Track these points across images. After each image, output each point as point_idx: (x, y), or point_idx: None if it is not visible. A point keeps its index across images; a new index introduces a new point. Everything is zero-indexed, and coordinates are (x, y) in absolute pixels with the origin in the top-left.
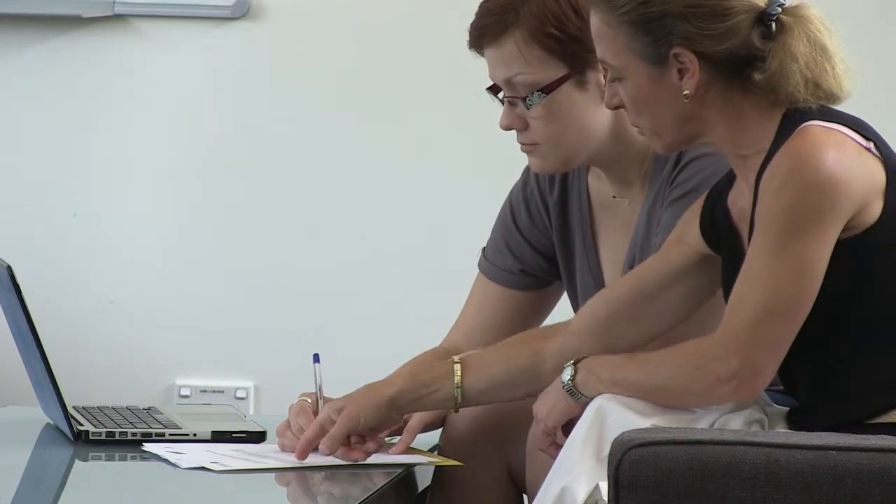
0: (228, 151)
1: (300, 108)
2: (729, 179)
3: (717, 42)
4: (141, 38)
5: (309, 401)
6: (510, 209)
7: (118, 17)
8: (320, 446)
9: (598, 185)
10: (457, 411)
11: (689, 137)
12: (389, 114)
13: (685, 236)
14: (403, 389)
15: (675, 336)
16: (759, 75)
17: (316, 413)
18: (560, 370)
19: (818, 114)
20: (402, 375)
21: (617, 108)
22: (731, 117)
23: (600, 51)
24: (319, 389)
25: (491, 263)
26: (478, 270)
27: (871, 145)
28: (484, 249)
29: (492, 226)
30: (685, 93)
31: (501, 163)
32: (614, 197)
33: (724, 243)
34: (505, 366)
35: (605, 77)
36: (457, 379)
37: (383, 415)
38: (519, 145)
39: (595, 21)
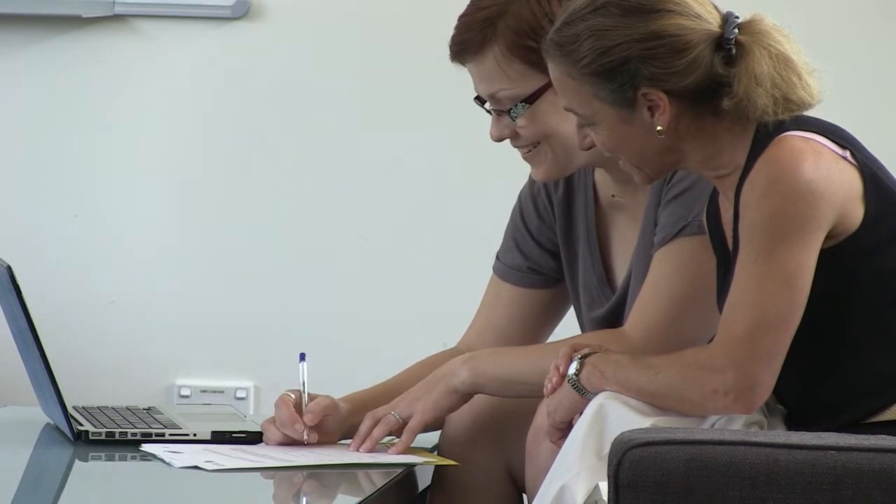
0: (228, 151)
1: (300, 108)
2: (716, 190)
3: (682, 77)
4: (141, 38)
5: (293, 396)
6: (519, 208)
7: (118, 17)
8: None
9: (605, 183)
10: None
11: (670, 166)
12: (389, 114)
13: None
14: None
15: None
16: (727, 101)
17: (298, 405)
18: None
19: (792, 124)
20: None
21: (590, 148)
22: (706, 142)
23: (566, 100)
24: (304, 386)
25: (502, 263)
26: (478, 269)
27: (847, 153)
28: (498, 251)
29: (490, 225)
30: (658, 129)
31: (501, 164)
32: (613, 196)
33: (717, 253)
34: None
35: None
36: None
37: None
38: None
39: (556, 73)
